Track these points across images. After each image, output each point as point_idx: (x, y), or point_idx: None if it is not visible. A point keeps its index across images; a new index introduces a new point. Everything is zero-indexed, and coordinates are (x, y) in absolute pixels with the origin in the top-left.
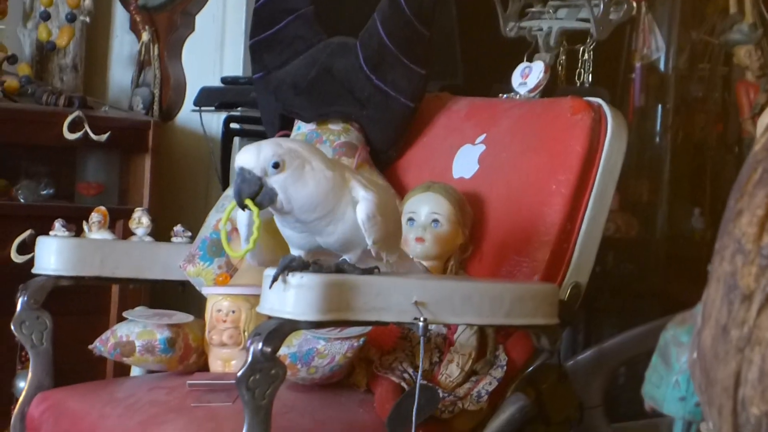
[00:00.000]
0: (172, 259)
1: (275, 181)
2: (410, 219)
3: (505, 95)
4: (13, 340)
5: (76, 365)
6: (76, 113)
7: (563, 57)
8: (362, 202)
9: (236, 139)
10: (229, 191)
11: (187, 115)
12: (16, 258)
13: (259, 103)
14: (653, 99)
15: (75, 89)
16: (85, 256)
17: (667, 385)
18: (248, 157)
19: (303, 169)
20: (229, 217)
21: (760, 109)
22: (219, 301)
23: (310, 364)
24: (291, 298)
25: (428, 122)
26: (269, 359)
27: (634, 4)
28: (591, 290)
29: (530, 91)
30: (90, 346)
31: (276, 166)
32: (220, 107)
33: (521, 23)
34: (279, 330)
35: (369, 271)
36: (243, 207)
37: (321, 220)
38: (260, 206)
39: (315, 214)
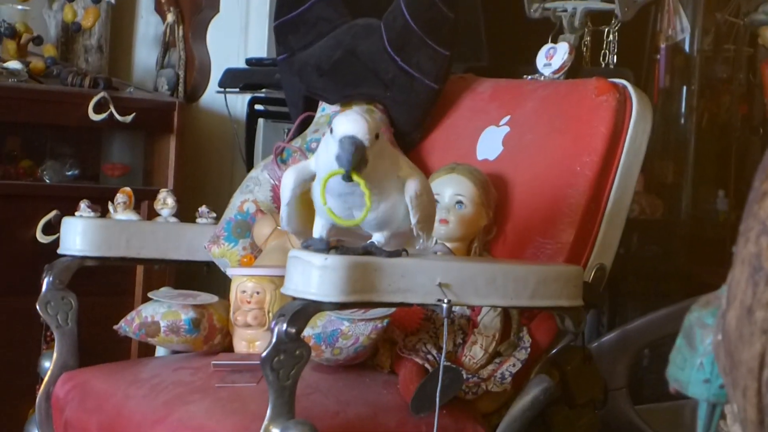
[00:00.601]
0: (197, 240)
1: (372, 151)
2: None
3: (529, 77)
4: (39, 320)
5: (101, 345)
6: (101, 94)
7: (588, 38)
8: (412, 180)
9: (260, 121)
10: (254, 172)
11: (211, 96)
12: (42, 238)
13: (283, 85)
14: (678, 80)
15: (100, 70)
16: (110, 237)
17: (691, 367)
18: (359, 127)
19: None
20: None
21: None
22: (243, 282)
23: (335, 345)
24: (315, 279)
25: (452, 104)
26: (294, 340)
27: None
28: (615, 272)
29: (555, 72)
30: (115, 327)
31: (377, 136)
32: (244, 89)
33: (546, 4)
34: (303, 311)
35: (397, 254)
36: (349, 178)
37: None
38: (358, 174)
39: (376, 188)
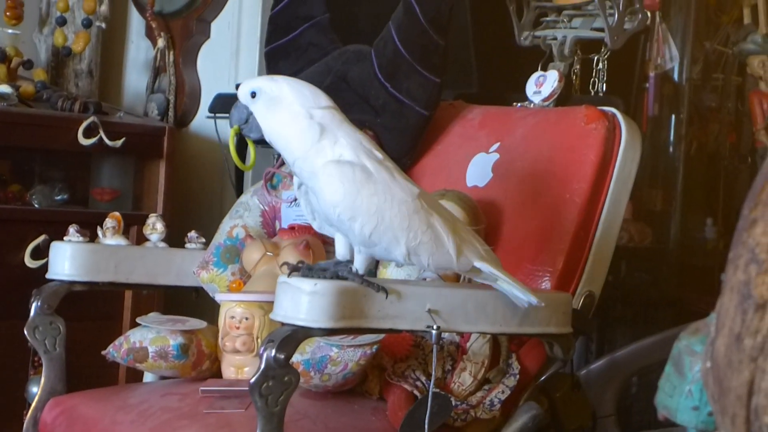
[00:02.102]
0: (186, 265)
1: (255, 110)
2: None
3: (519, 104)
4: (27, 345)
5: (89, 371)
6: (91, 119)
7: (577, 66)
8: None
9: (250, 146)
10: (244, 198)
11: (201, 121)
12: (30, 263)
13: None
14: (667, 109)
15: (90, 95)
16: (99, 262)
17: (680, 395)
18: (240, 86)
19: (279, 103)
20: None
21: None
22: (232, 307)
23: (323, 372)
24: (304, 305)
25: (442, 130)
26: (282, 366)
27: (648, 14)
28: (604, 299)
29: (544, 99)
30: (103, 352)
31: (253, 95)
32: None
33: (536, 32)
34: (292, 337)
35: (369, 283)
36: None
37: (301, 172)
38: (247, 135)
39: (289, 157)
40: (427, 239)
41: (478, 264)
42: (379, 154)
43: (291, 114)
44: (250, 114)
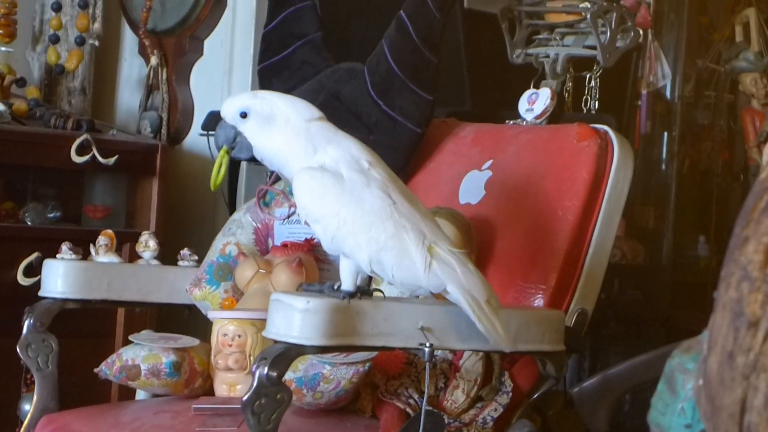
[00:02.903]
0: (179, 283)
1: (245, 130)
2: None
3: (511, 121)
4: (19, 362)
5: (81, 388)
6: (84, 136)
7: (570, 84)
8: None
9: (243, 164)
10: (236, 215)
11: (194, 139)
12: (23, 281)
13: None
14: (659, 126)
15: (83, 112)
16: (92, 280)
17: (672, 412)
18: (224, 106)
19: (273, 121)
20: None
21: (765, 137)
22: (225, 325)
23: (316, 389)
24: (297, 322)
25: (435, 148)
26: (275, 384)
27: (641, 32)
28: (597, 317)
29: (537, 117)
30: (95, 370)
31: (243, 115)
32: None
33: (528, 50)
34: (285, 354)
35: (352, 296)
36: (219, 151)
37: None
38: (237, 157)
39: (287, 173)
40: (390, 247)
41: (450, 288)
42: (366, 164)
43: (288, 130)
44: (238, 134)
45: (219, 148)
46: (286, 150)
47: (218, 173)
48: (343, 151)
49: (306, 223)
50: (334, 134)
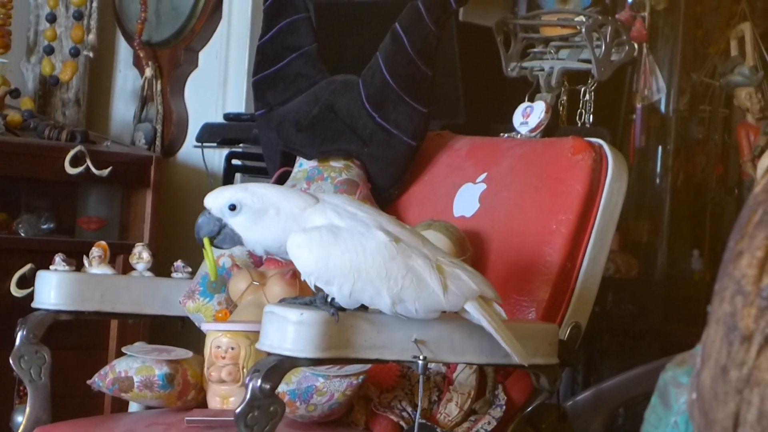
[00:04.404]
0: (172, 295)
1: (233, 223)
2: None
3: (506, 134)
4: (12, 374)
5: (74, 400)
6: (78, 148)
7: (564, 97)
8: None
9: (238, 176)
10: None
11: (189, 150)
12: (16, 292)
13: (261, 140)
14: (654, 140)
15: (77, 124)
16: (85, 291)
17: (666, 426)
18: (209, 198)
19: (265, 214)
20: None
21: (760, 152)
22: (218, 337)
23: (309, 402)
24: (291, 334)
25: (430, 161)
26: (268, 396)
27: (636, 46)
28: (590, 330)
29: (531, 130)
30: (88, 381)
31: (232, 208)
32: (222, 143)
33: (523, 63)
34: (278, 367)
35: (341, 309)
36: (201, 244)
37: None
38: (219, 246)
39: (284, 256)
40: (408, 283)
41: (468, 306)
42: (353, 208)
43: (281, 219)
44: (223, 226)
45: (200, 240)
46: (283, 237)
47: (213, 263)
48: (328, 203)
49: (316, 287)
50: (323, 202)
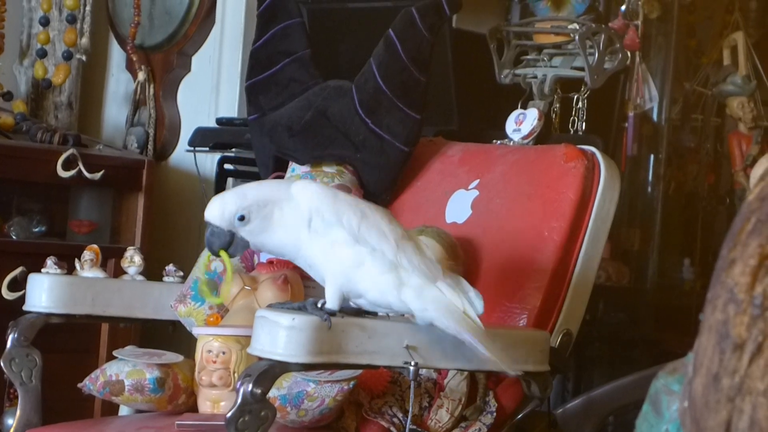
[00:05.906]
0: (164, 299)
1: (244, 232)
2: None
3: (499, 141)
4: (2, 377)
5: (64, 403)
6: (70, 151)
7: (557, 104)
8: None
9: (230, 180)
10: None
11: (181, 155)
12: (7, 295)
13: (253, 145)
14: (646, 148)
15: (70, 127)
16: (77, 294)
17: None
18: (213, 212)
19: (271, 218)
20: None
21: (752, 161)
22: (209, 341)
23: (300, 407)
24: (282, 339)
25: (422, 167)
26: (259, 401)
27: (629, 54)
28: (581, 338)
29: (524, 137)
30: (79, 385)
31: (242, 218)
32: (214, 148)
33: (516, 70)
34: (269, 372)
35: (332, 314)
36: (217, 256)
37: (295, 258)
38: (233, 256)
39: (289, 255)
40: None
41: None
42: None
43: (292, 222)
44: (233, 236)
45: (216, 254)
46: (292, 238)
47: (231, 272)
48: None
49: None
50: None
